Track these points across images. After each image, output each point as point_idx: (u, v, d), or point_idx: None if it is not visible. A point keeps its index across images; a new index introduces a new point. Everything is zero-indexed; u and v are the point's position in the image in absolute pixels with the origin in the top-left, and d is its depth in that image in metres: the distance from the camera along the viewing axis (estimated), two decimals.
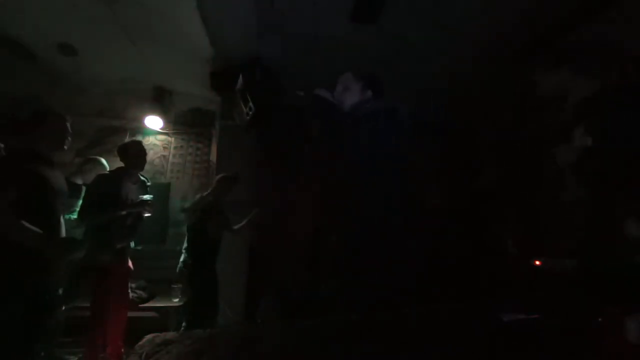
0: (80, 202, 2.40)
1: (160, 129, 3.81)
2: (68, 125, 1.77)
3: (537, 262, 2.43)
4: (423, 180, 3.75)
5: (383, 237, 1.18)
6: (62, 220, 1.72)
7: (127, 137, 3.74)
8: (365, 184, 1.26)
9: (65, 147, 1.76)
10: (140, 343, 0.84)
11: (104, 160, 2.97)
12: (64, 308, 2.53)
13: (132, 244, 2.51)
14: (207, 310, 2.60)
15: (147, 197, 2.44)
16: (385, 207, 1.22)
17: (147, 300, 2.95)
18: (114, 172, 2.40)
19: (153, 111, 3.65)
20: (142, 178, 2.55)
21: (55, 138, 1.70)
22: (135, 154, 2.41)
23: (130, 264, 2.49)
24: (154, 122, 3.68)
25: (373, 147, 1.26)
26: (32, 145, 1.63)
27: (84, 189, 2.74)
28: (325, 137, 1.49)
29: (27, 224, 1.44)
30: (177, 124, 3.92)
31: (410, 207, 1.31)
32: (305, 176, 2.86)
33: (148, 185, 2.60)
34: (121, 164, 2.42)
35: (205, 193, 2.83)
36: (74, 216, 2.54)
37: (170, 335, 0.88)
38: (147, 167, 2.58)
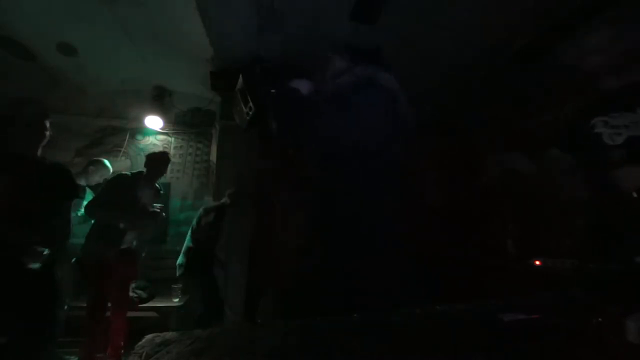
0: (92, 196, 2.54)
1: (160, 129, 3.81)
2: (46, 118, 1.63)
3: (537, 262, 2.42)
4: (423, 179, 3.75)
5: (376, 236, 1.16)
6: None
7: (127, 137, 3.75)
8: (340, 178, 1.20)
9: (45, 138, 1.61)
10: (140, 343, 0.84)
11: (107, 162, 2.98)
12: (65, 308, 2.55)
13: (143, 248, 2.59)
14: (205, 314, 2.65)
15: (157, 205, 2.53)
16: (373, 204, 1.17)
17: (147, 300, 2.95)
18: (133, 175, 2.48)
19: (153, 111, 3.65)
20: (157, 186, 2.63)
21: (32, 132, 1.55)
22: (159, 162, 2.57)
23: (134, 266, 2.52)
24: (154, 122, 3.68)
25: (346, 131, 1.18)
26: (8, 144, 1.49)
27: (87, 190, 2.77)
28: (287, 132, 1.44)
29: None
30: (177, 124, 3.92)
31: (403, 203, 1.27)
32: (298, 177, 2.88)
33: (161, 193, 2.71)
34: (121, 167, 2.49)
35: (214, 204, 2.94)
36: (80, 213, 2.59)
37: (170, 335, 0.88)
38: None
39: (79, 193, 1.99)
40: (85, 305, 2.27)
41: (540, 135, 2.75)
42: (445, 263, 3.07)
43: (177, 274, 2.82)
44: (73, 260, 2.28)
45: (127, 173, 2.53)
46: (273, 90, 1.59)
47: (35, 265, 1.46)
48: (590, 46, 1.99)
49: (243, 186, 3.01)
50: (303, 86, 1.41)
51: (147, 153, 2.69)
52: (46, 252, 1.50)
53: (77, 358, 2.52)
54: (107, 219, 2.28)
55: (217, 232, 2.83)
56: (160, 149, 3.81)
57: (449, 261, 3.12)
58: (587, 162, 1.42)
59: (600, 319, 0.91)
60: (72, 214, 2.55)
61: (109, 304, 2.34)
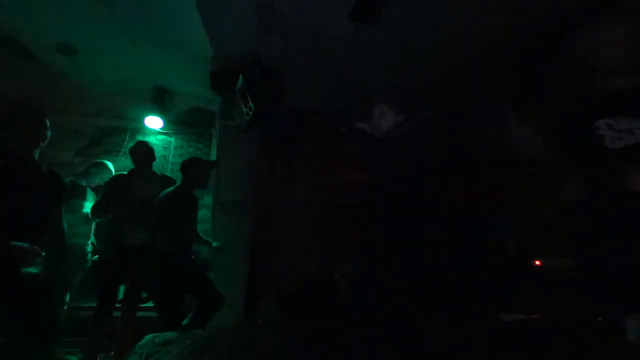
0: (93, 197, 2.67)
1: (160, 129, 3.81)
2: (44, 120, 1.60)
3: (537, 262, 2.43)
4: (429, 182, 3.75)
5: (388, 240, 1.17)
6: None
7: (127, 137, 3.75)
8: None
9: (41, 143, 1.60)
10: (140, 343, 0.84)
11: (110, 164, 2.99)
12: (65, 308, 2.56)
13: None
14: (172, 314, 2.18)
15: None
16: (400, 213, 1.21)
17: (147, 300, 2.95)
18: (127, 173, 2.50)
19: (153, 111, 3.65)
20: (160, 175, 2.62)
21: (30, 135, 1.56)
22: (138, 154, 2.50)
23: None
24: (154, 122, 3.68)
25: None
26: (5, 143, 1.49)
27: (88, 190, 2.78)
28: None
29: None
30: (177, 124, 3.92)
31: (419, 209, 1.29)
32: (305, 177, 2.86)
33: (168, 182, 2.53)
34: (121, 167, 2.52)
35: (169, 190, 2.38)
36: (80, 215, 2.60)
37: (170, 335, 0.88)
38: None
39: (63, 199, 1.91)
40: (84, 305, 2.27)
41: (541, 135, 2.75)
42: (445, 264, 3.07)
43: None
44: (93, 258, 2.37)
45: (119, 173, 2.55)
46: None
47: (33, 269, 1.45)
48: (592, 45, 1.99)
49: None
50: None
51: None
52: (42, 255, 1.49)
53: (77, 358, 2.52)
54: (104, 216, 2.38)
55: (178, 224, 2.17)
56: (160, 149, 3.82)
57: (449, 262, 3.12)
58: (588, 161, 1.42)
59: (600, 319, 0.91)
60: (73, 215, 2.56)
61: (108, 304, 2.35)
